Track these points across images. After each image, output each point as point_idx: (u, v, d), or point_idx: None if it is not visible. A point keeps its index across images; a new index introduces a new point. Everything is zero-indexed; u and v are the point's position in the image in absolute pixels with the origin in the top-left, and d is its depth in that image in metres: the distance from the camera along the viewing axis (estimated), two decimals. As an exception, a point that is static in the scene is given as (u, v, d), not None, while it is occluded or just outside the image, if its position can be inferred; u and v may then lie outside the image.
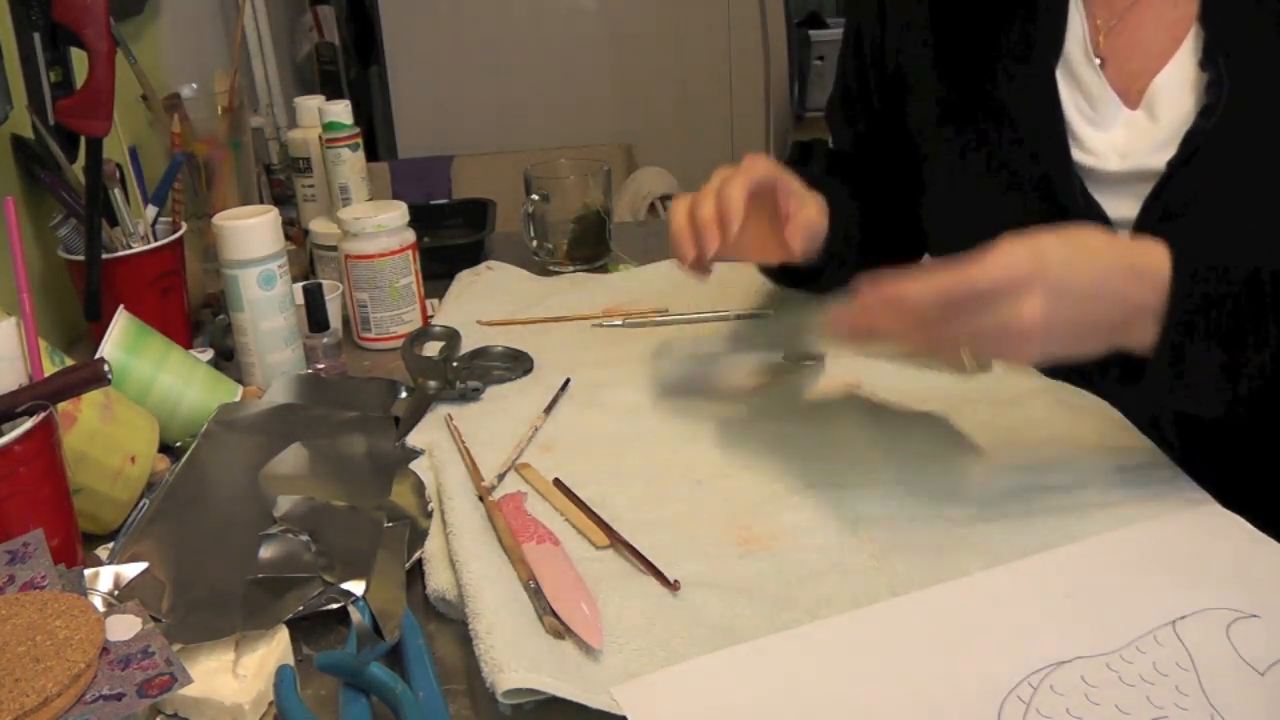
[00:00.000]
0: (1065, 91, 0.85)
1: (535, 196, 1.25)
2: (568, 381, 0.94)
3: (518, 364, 0.99)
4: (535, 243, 1.26)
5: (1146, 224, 0.81)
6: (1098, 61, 0.84)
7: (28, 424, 0.67)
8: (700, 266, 0.84)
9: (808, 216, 0.86)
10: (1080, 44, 0.85)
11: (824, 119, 1.11)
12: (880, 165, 1.02)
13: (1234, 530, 0.69)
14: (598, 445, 0.85)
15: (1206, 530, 0.69)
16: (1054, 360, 0.69)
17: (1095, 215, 0.83)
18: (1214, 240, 0.78)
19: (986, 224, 0.88)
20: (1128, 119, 0.83)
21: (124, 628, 0.59)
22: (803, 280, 0.99)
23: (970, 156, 0.89)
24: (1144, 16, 0.84)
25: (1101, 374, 0.74)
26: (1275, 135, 0.77)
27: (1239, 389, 0.69)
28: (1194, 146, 0.78)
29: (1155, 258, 0.68)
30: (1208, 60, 0.79)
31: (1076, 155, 0.84)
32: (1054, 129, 0.84)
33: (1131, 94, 0.84)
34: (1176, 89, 0.81)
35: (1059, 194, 0.84)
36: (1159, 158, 0.80)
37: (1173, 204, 0.80)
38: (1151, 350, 0.69)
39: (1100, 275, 0.67)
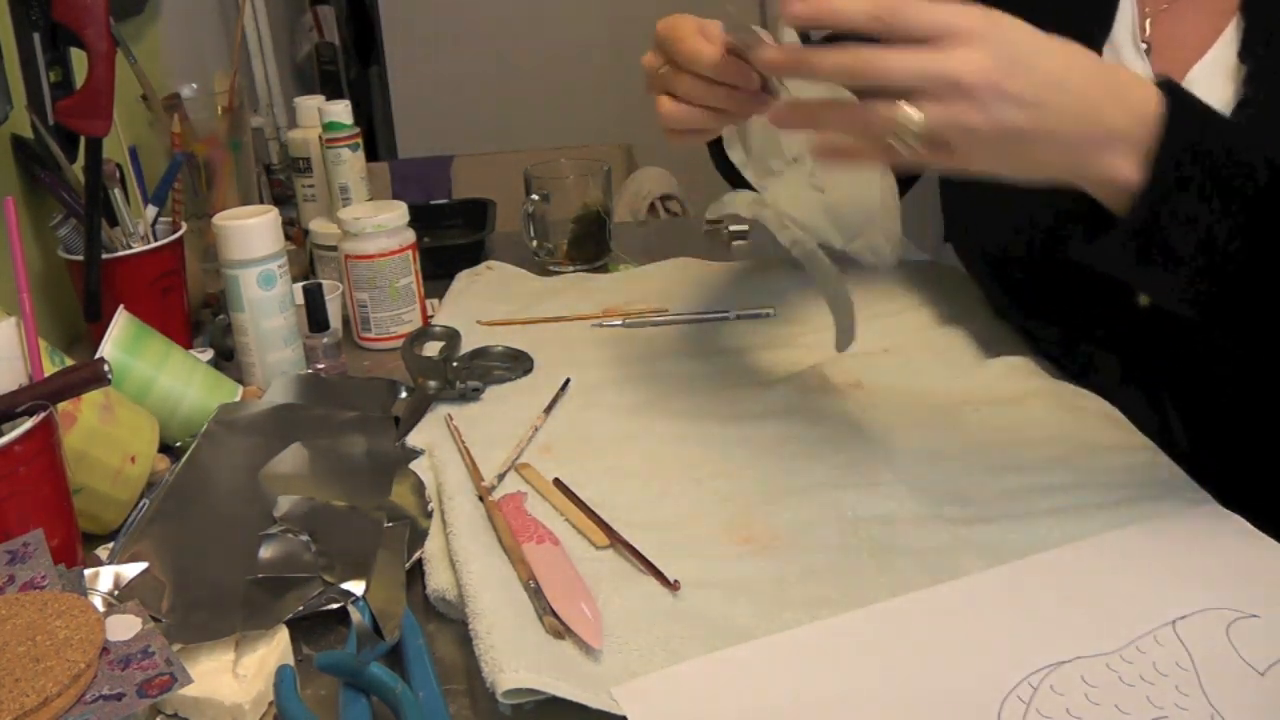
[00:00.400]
0: None
1: (535, 196, 1.25)
2: (568, 381, 0.94)
3: (518, 364, 0.99)
4: (535, 243, 1.26)
5: None
6: (1144, 48, 0.84)
7: (28, 424, 0.67)
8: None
9: None
10: (1129, 29, 0.85)
11: None
12: None
13: (1234, 530, 0.69)
14: (598, 445, 0.85)
15: (1206, 530, 0.69)
16: (1011, 163, 0.62)
17: None
18: None
19: (1013, 201, 0.88)
20: None
21: (124, 628, 0.59)
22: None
23: None
24: (1189, 5, 0.84)
25: (1065, 225, 0.70)
26: None
27: (1207, 278, 0.64)
28: None
29: (1142, 89, 0.63)
30: (1246, 52, 0.78)
31: None
32: None
33: None
34: (1213, 79, 0.80)
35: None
36: None
37: None
38: (1129, 196, 0.63)
39: (1070, 70, 0.61)
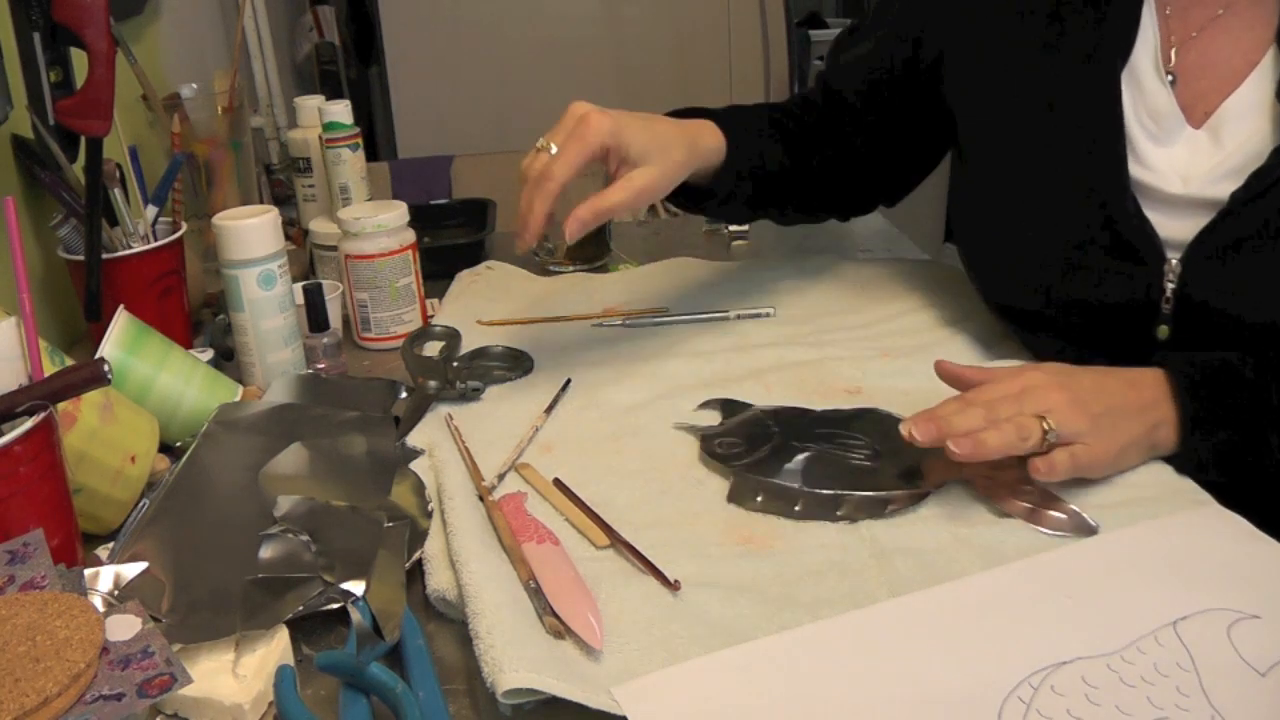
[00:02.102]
0: (1128, 101, 0.83)
1: (535, 196, 1.25)
2: (568, 381, 0.94)
3: (518, 364, 0.99)
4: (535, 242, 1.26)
5: (1201, 252, 0.79)
6: (1170, 77, 0.82)
7: (28, 424, 0.67)
8: (526, 245, 0.88)
9: (610, 199, 0.88)
10: (1151, 55, 0.83)
11: (829, 51, 1.12)
12: (859, 112, 1.05)
13: (1234, 530, 0.69)
14: (598, 445, 0.85)
15: (1206, 530, 0.69)
16: (1114, 463, 0.75)
17: (1145, 232, 0.81)
18: (1265, 279, 0.77)
19: (1029, 223, 0.87)
20: (1189, 137, 0.81)
21: (124, 628, 0.59)
22: (694, 203, 1.03)
23: (1022, 152, 0.88)
24: (1219, 37, 0.82)
25: None
26: None
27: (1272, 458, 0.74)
28: (1263, 184, 0.77)
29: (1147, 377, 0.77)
30: None
31: (1134, 169, 0.82)
32: (1113, 137, 0.82)
33: (1196, 113, 0.82)
34: (1246, 116, 0.79)
35: (1110, 205, 0.82)
36: (1222, 187, 0.78)
37: (1230, 236, 0.78)
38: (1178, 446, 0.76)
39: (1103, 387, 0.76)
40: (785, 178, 1.05)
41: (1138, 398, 0.76)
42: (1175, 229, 0.81)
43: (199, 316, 1.18)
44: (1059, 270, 0.85)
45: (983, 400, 0.75)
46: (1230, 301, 0.78)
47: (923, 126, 1.03)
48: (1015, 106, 0.89)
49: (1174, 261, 0.80)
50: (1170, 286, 0.81)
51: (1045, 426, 0.73)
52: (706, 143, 0.97)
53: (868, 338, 1.01)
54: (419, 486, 0.80)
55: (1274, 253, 0.77)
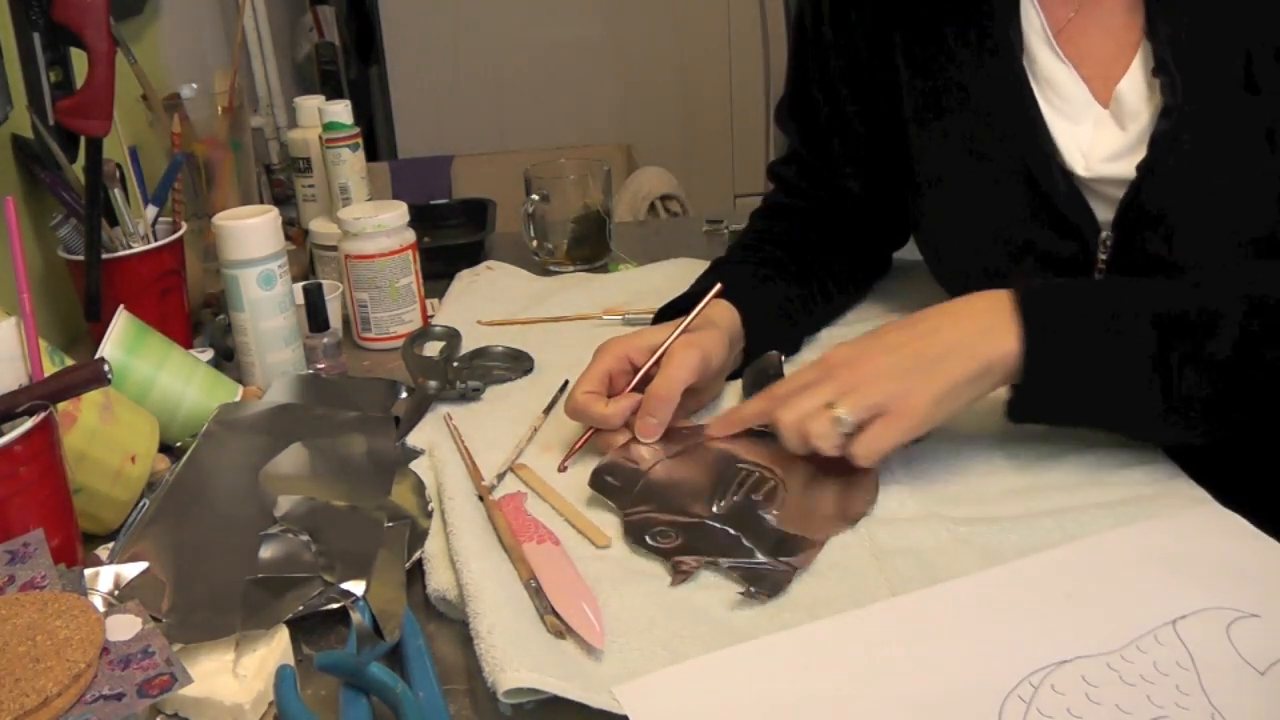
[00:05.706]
0: (1035, 86, 0.85)
1: (535, 196, 1.25)
2: (567, 382, 0.94)
3: (518, 364, 0.99)
4: (535, 243, 1.26)
5: (1125, 225, 0.81)
6: (1063, 54, 0.84)
7: (28, 424, 0.67)
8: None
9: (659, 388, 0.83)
10: (1042, 39, 0.85)
11: (775, 122, 1.10)
12: (842, 162, 1.02)
13: (1234, 530, 0.69)
14: (597, 445, 0.85)
15: (1206, 530, 0.69)
16: (931, 414, 0.73)
17: (1079, 207, 0.83)
18: (1193, 233, 0.79)
19: (977, 214, 0.89)
20: (1098, 116, 0.83)
21: (124, 628, 0.59)
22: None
23: (954, 150, 0.89)
24: (1092, 14, 0.84)
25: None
26: (1236, 126, 0.77)
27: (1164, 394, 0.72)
28: (1162, 148, 0.79)
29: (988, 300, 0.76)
30: (1160, 68, 0.79)
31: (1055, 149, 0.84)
32: (1030, 122, 0.84)
33: (1097, 91, 0.84)
34: (1136, 95, 0.81)
35: (1042, 185, 0.84)
36: (1123, 165, 0.81)
37: (1150, 206, 0.80)
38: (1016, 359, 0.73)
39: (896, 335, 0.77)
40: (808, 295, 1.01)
41: (969, 325, 0.75)
42: (1096, 209, 0.83)
43: (199, 316, 1.18)
44: (1007, 257, 0.87)
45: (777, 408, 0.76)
46: (1165, 267, 0.80)
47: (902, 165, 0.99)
48: (938, 105, 0.90)
49: (1104, 234, 0.83)
50: (1102, 259, 0.84)
51: (835, 417, 0.72)
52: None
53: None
54: (419, 486, 0.80)
55: (1194, 213, 0.79)
